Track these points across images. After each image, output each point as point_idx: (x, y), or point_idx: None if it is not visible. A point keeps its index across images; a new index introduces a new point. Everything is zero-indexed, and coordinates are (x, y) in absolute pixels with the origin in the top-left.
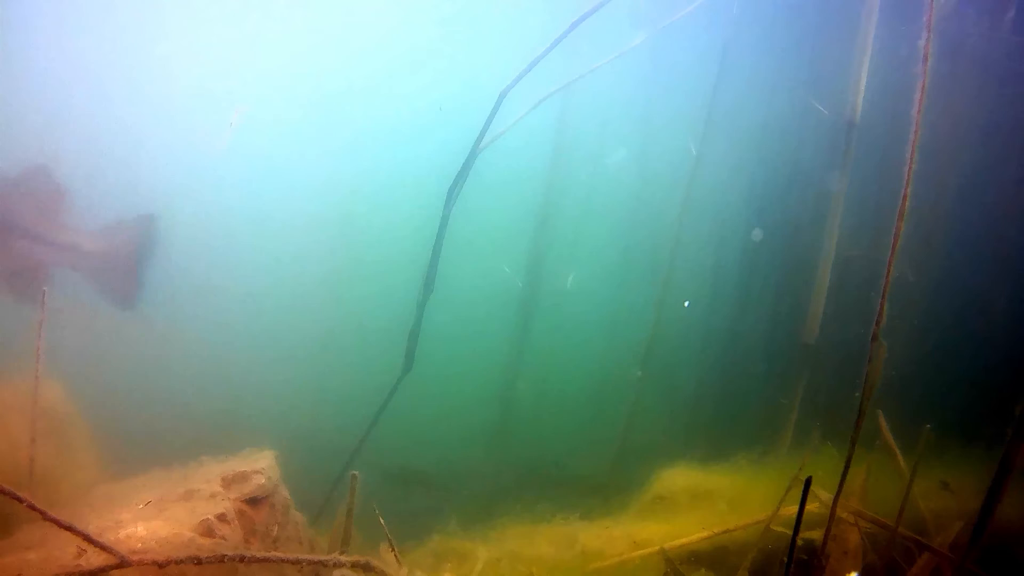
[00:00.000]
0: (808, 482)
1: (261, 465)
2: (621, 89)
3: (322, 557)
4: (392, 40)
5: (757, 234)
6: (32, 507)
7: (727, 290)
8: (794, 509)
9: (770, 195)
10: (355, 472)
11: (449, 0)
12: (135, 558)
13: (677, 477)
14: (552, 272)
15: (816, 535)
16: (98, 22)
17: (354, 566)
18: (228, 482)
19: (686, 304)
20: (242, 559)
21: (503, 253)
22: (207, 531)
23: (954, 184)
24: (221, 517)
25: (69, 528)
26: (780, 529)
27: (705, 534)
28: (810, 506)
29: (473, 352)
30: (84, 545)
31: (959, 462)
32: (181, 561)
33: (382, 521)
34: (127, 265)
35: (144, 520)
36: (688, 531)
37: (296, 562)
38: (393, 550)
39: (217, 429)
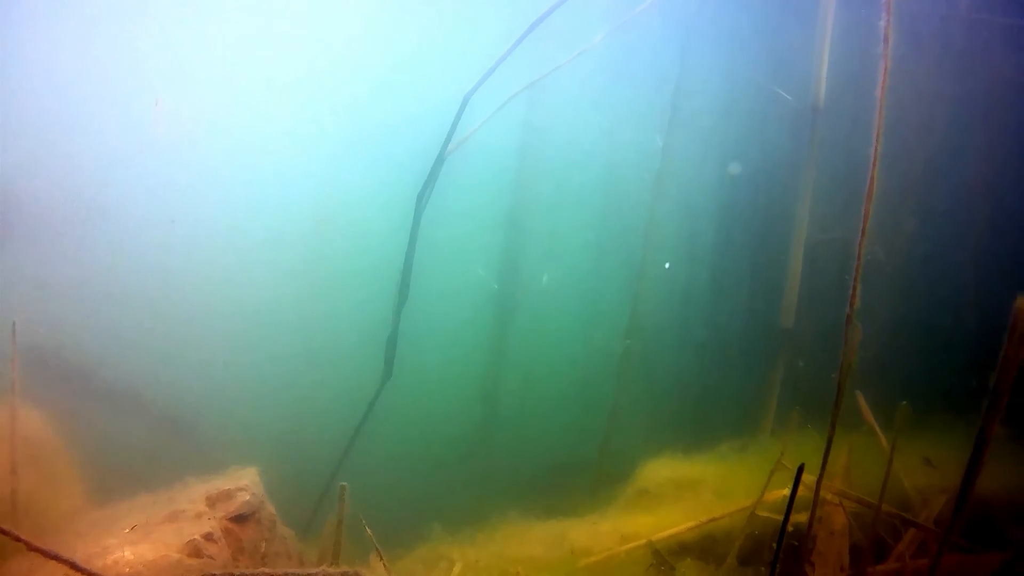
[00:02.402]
0: (801, 468)
1: (245, 482)
2: (585, 85)
3: (310, 570)
4: (361, 45)
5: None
6: (16, 538)
7: (702, 280)
8: (778, 494)
9: (739, 183)
10: (344, 483)
11: (418, 6)
12: None
13: (662, 468)
14: (527, 271)
15: (801, 518)
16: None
17: None
18: (213, 501)
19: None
20: None
21: (477, 255)
22: (194, 552)
23: (922, 163)
24: (208, 537)
25: (55, 557)
26: (766, 514)
27: (692, 524)
28: None
29: (452, 356)
30: (72, 573)
31: (941, 438)
32: None
33: (369, 532)
34: None
35: (131, 544)
36: (675, 522)
37: None
38: (382, 559)
39: (199, 446)
